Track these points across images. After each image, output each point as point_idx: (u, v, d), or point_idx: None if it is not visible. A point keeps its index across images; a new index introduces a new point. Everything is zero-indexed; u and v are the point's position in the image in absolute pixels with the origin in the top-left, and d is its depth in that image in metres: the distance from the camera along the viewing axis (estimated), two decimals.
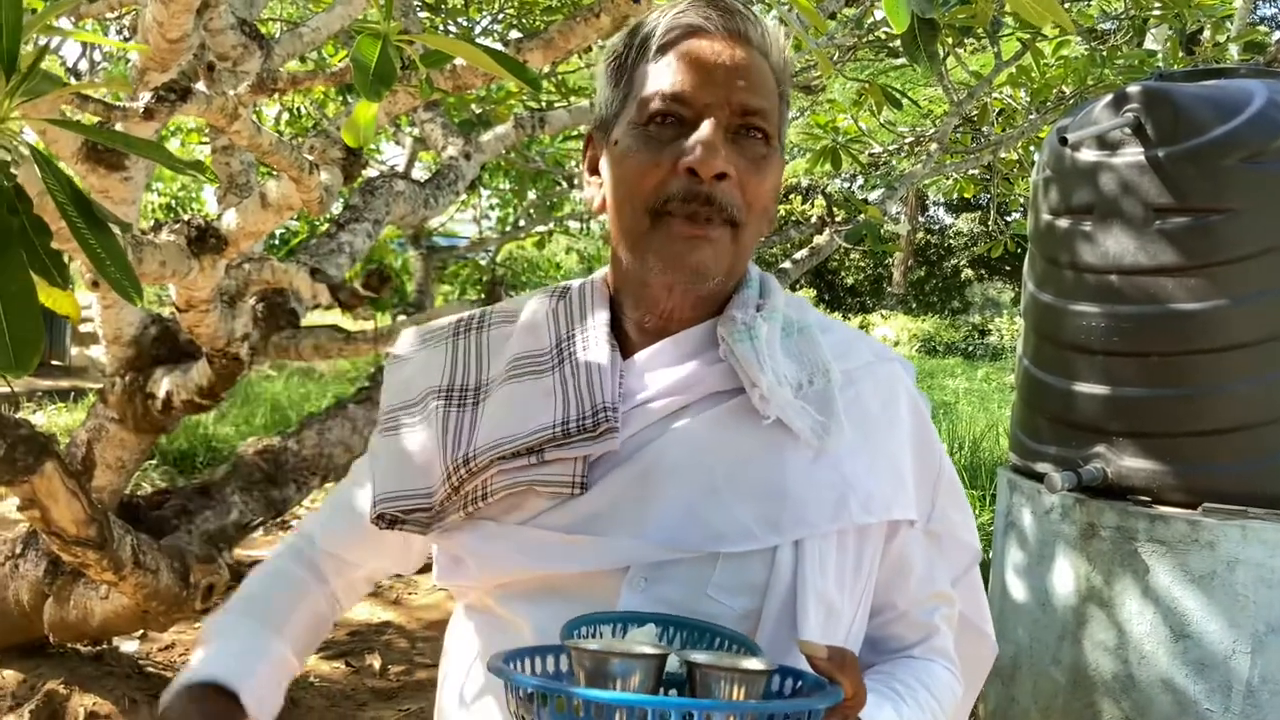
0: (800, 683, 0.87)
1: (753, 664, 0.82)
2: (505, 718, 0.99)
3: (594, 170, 1.09)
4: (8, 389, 7.74)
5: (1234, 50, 4.44)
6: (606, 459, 0.99)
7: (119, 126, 1.37)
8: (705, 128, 0.96)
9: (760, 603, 0.96)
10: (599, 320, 1.05)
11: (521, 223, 7.04)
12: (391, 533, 1.08)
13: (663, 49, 1.00)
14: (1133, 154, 2.50)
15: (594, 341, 1.03)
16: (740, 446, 0.99)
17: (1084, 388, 2.59)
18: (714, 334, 1.03)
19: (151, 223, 2.02)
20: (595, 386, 0.99)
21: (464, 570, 1.05)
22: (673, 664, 0.85)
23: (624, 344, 1.06)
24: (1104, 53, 4.51)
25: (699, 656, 0.83)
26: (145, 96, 1.22)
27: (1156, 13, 4.35)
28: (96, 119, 1.24)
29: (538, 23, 4.70)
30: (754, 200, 0.99)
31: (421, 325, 1.18)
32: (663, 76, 0.99)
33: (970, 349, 19.20)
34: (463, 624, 1.10)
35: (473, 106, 4.68)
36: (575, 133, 6.06)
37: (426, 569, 1.14)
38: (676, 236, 0.97)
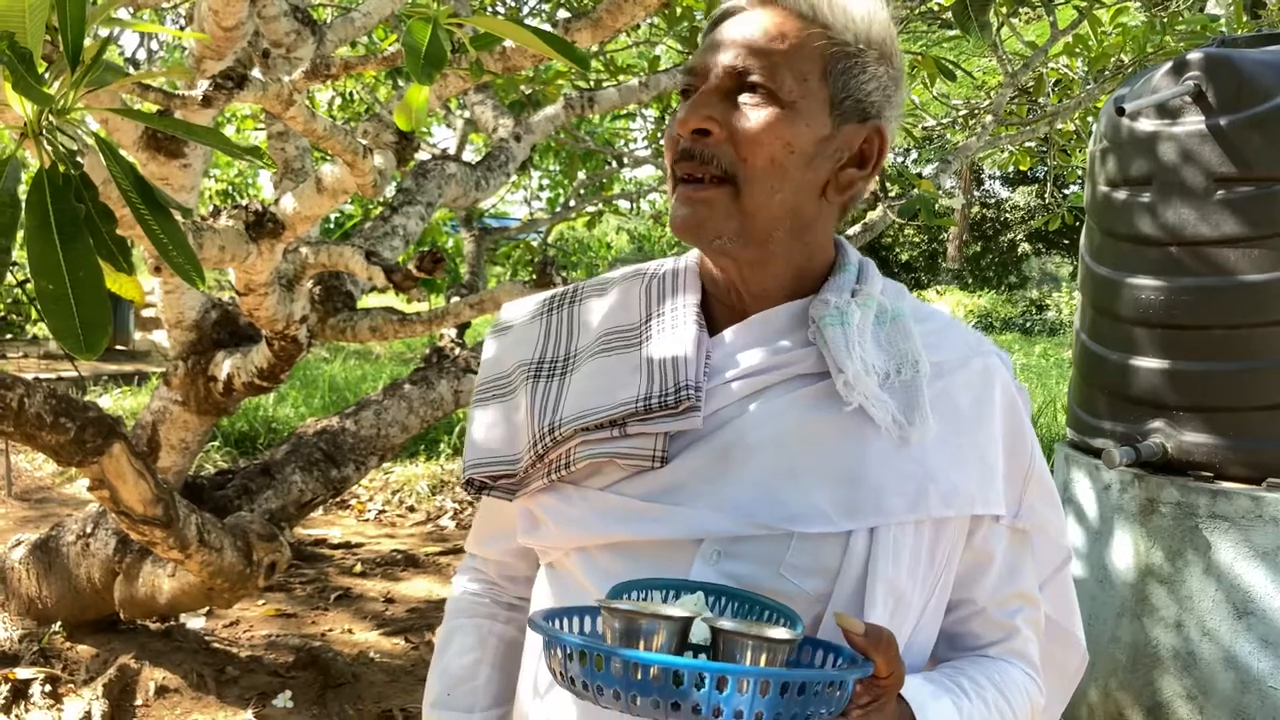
0: (837, 657, 0.88)
1: (778, 633, 0.82)
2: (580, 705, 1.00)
3: None
4: (74, 373, 7.95)
5: None
6: (688, 434, 1.00)
7: (177, 114, 1.39)
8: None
9: (831, 586, 0.96)
10: (689, 298, 1.07)
11: (572, 203, 7.04)
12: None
13: (708, 32, 1.04)
14: (1193, 122, 2.44)
15: (682, 319, 1.05)
16: (822, 430, 0.98)
17: (1143, 362, 2.55)
18: (805, 314, 1.03)
19: (210, 208, 2.06)
20: (680, 363, 1.00)
21: (543, 531, 1.08)
22: (706, 632, 0.86)
23: (713, 323, 1.07)
24: (1164, 19, 4.40)
25: (724, 623, 0.83)
26: (204, 84, 1.24)
27: None
28: (157, 108, 1.27)
29: (585, 2, 4.69)
30: (750, 154, 0.97)
31: (518, 299, 1.21)
32: (694, 56, 1.04)
33: (1027, 324, 18.92)
34: (544, 583, 1.12)
35: (522, 87, 4.69)
36: (624, 112, 6.05)
37: None
38: (677, 199, 1.00)
